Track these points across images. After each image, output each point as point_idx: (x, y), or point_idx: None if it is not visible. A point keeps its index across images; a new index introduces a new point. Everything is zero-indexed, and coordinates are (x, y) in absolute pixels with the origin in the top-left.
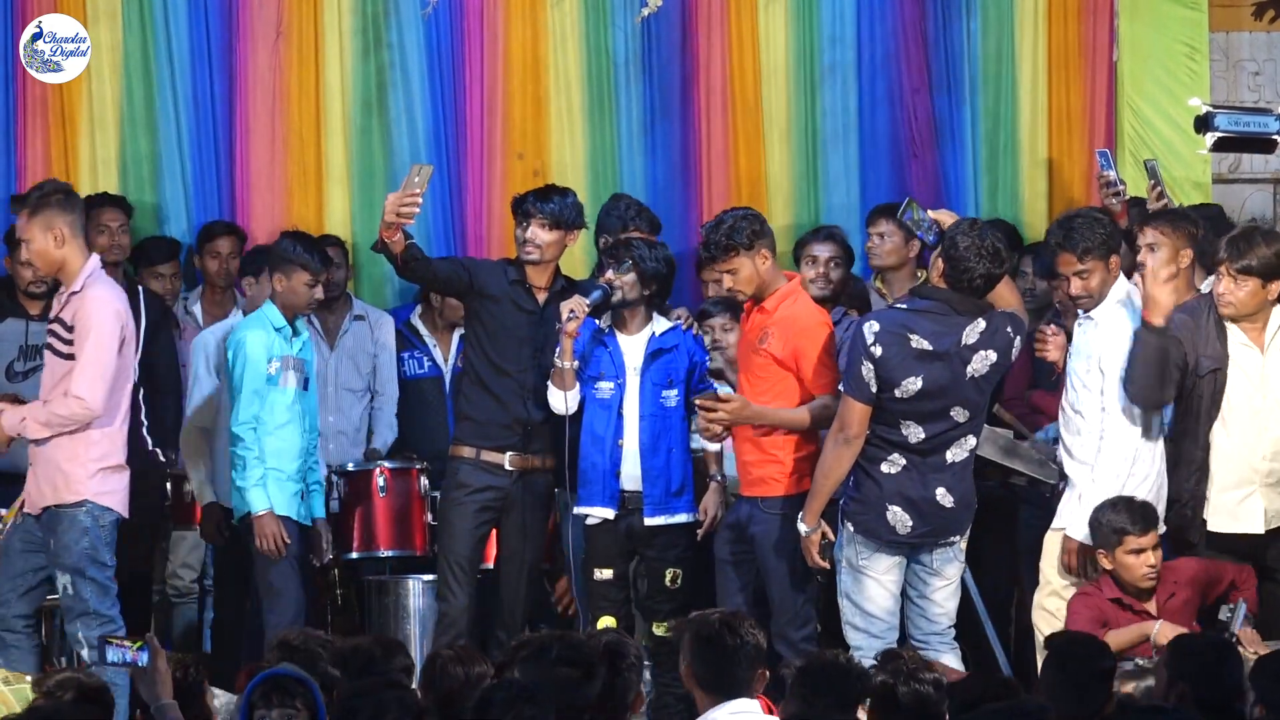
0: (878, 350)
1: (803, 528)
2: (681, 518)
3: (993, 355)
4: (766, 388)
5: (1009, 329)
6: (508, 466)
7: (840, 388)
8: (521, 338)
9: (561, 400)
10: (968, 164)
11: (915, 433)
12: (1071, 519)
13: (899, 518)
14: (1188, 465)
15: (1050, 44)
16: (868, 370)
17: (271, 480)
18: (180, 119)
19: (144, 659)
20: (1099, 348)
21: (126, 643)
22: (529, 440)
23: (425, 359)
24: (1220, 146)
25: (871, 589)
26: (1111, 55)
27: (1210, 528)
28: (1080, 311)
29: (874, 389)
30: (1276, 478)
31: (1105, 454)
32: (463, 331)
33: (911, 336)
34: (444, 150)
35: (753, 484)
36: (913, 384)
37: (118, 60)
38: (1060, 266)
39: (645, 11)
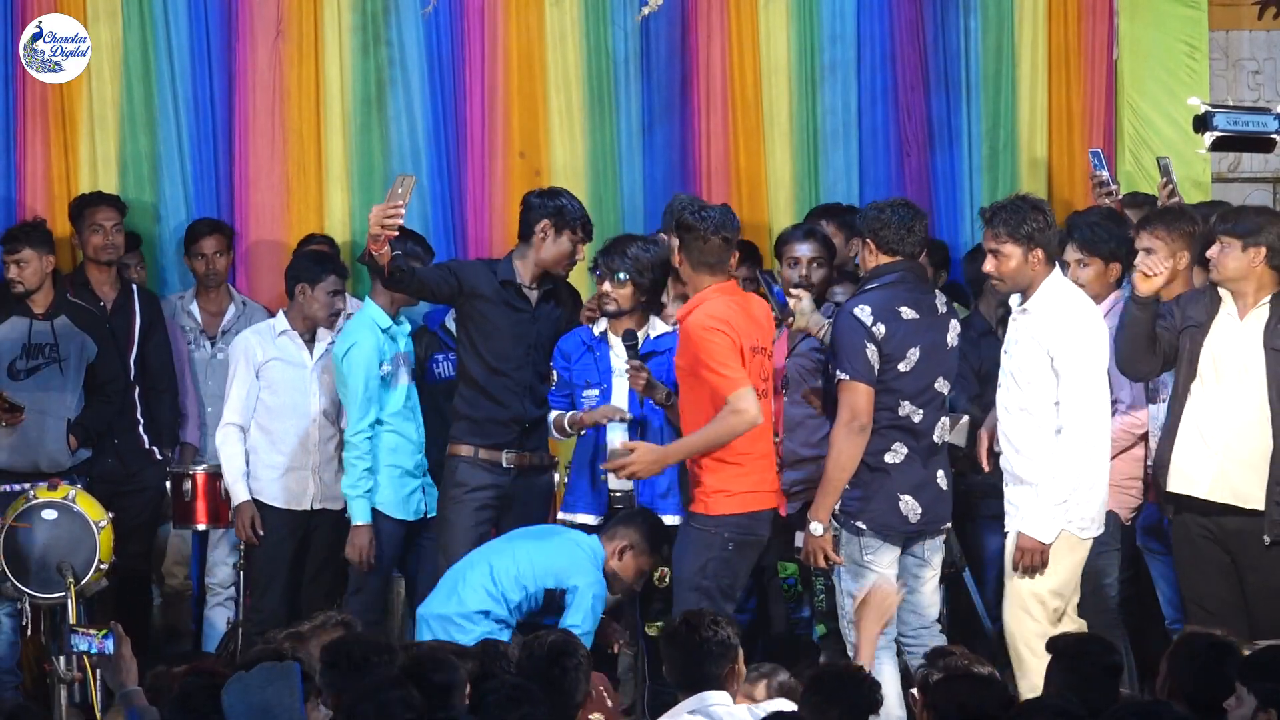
0: (880, 329)
1: (817, 527)
2: (670, 518)
3: (957, 325)
4: (693, 402)
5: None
6: (505, 464)
7: (843, 376)
8: (515, 336)
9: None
10: (966, 163)
11: (914, 413)
12: (1028, 519)
13: (910, 507)
14: (1170, 426)
15: (1050, 43)
16: (872, 352)
17: (386, 479)
18: (180, 118)
19: (109, 647)
20: (1048, 342)
21: (92, 631)
22: (526, 437)
23: None
24: (1219, 146)
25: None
26: (1111, 54)
27: (1169, 487)
28: (1013, 306)
29: (876, 369)
30: (1242, 454)
31: (1064, 448)
32: None
33: (901, 309)
34: (444, 149)
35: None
36: (914, 354)
37: (117, 59)
38: (984, 241)
39: (645, 10)
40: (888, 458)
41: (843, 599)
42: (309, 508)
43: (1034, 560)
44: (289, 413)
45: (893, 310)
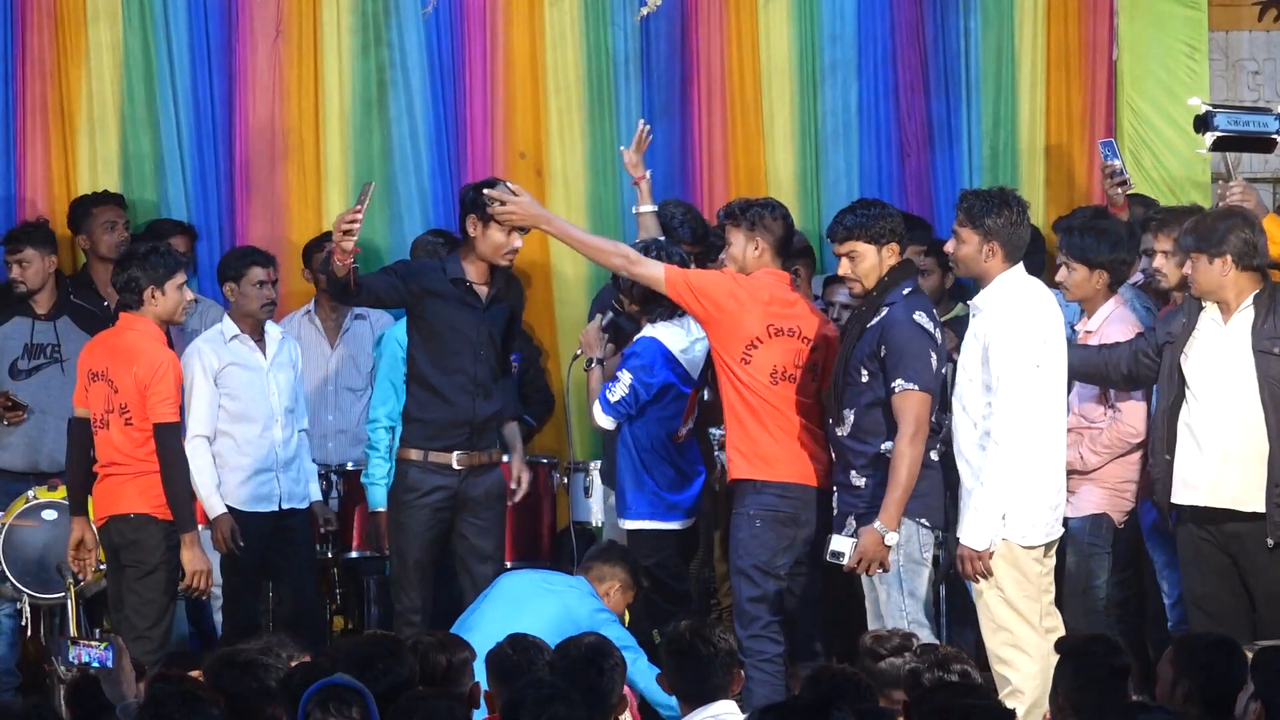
0: (939, 335)
1: (893, 536)
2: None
3: None
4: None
5: None
6: (455, 465)
7: (909, 386)
8: (467, 334)
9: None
10: (967, 163)
11: (938, 416)
12: (962, 524)
13: (946, 503)
14: (1158, 442)
15: (1050, 43)
16: (934, 360)
17: None
18: (180, 118)
19: (110, 659)
20: (984, 339)
21: (94, 643)
22: (476, 437)
23: None
24: (1219, 146)
25: (926, 580)
26: (1111, 54)
27: (1173, 499)
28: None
29: (934, 375)
30: (1238, 458)
31: (991, 456)
32: None
33: (933, 311)
34: (444, 149)
35: None
36: (945, 355)
37: (118, 59)
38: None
39: (645, 10)
40: (932, 455)
41: (903, 599)
42: (277, 508)
43: (974, 568)
44: (251, 416)
45: (933, 314)
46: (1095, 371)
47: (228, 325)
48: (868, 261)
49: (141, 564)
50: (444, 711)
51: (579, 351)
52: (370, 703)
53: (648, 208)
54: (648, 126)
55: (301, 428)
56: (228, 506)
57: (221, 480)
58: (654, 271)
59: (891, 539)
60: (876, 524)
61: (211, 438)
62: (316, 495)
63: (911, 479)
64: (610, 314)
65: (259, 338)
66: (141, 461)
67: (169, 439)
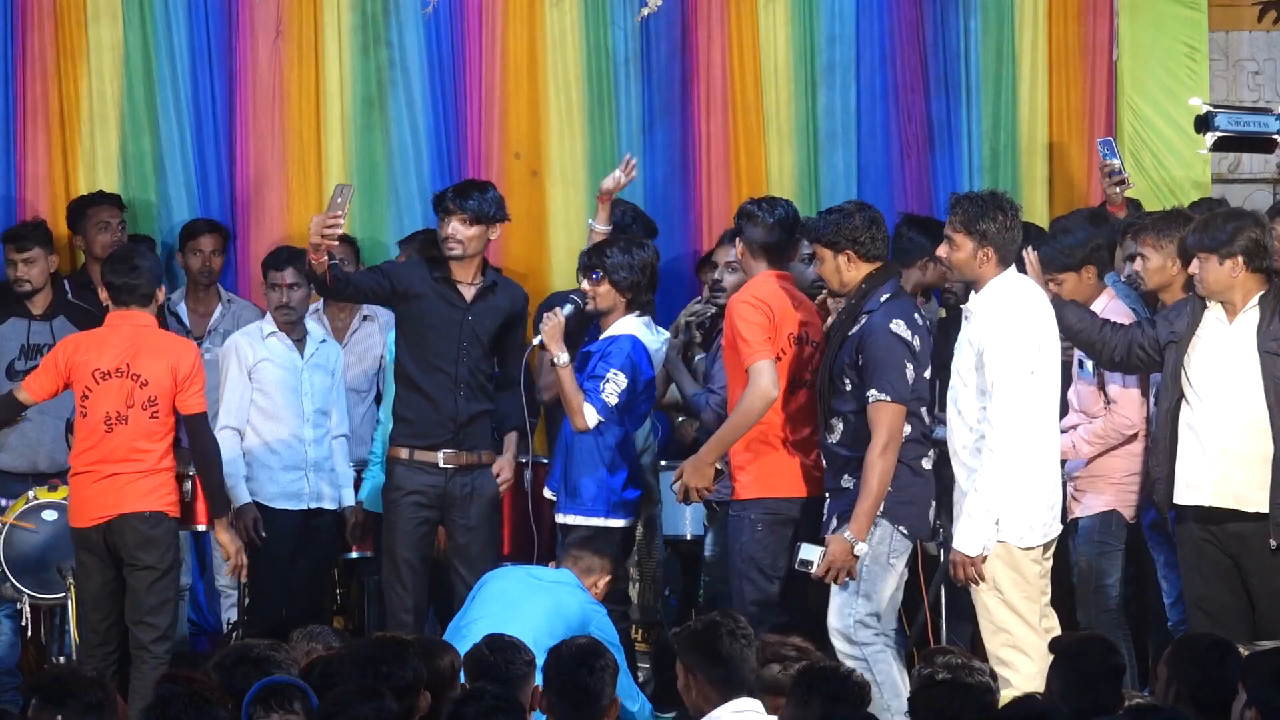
0: (917, 342)
1: (862, 547)
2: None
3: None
4: (735, 379)
5: None
6: (442, 464)
7: (881, 398)
8: (451, 334)
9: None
10: (967, 164)
11: (926, 417)
12: (957, 530)
13: (933, 513)
14: (1160, 442)
15: (1050, 43)
16: (910, 370)
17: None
18: (181, 117)
19: None
20: (978, 343)
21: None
22: (462, 436)
23: None
24: (1220, 146)
25: (892, 584)
26: (1111, 54)
27: (1175, 499)
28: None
29: (910, 384)
30: (1241, 458)
31: (986, 460)
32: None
33: (915, 316)
34: (443, 149)
35: None
36: (928, 359)
37: (118, 59)
38: (945, 226)
39: (645, 11)
40: (924, 463)
41: (855, 599)
42: (306, 507)
43: (967, 574)
44: (282, 413)
45: (913, 319)
46: (1087, 341)
47: (266, 322)
48: (827, 265)
49: (160, 562)
50: (372, 713)
51: (536, 341)
52: (313, 699)
53: (603, 227)
54: (634, 161)
55: (341, 433)
56: (255, 502)
57: (252, 476)
58: (769, 372)
59: (860, 549)
60: (845, 533)
61: (242, 431)
62: (350, 501)
63: (882, 489)
64: (570, 307)
65: (299, 337)
66: (160, 458)
67: (204, 428)
